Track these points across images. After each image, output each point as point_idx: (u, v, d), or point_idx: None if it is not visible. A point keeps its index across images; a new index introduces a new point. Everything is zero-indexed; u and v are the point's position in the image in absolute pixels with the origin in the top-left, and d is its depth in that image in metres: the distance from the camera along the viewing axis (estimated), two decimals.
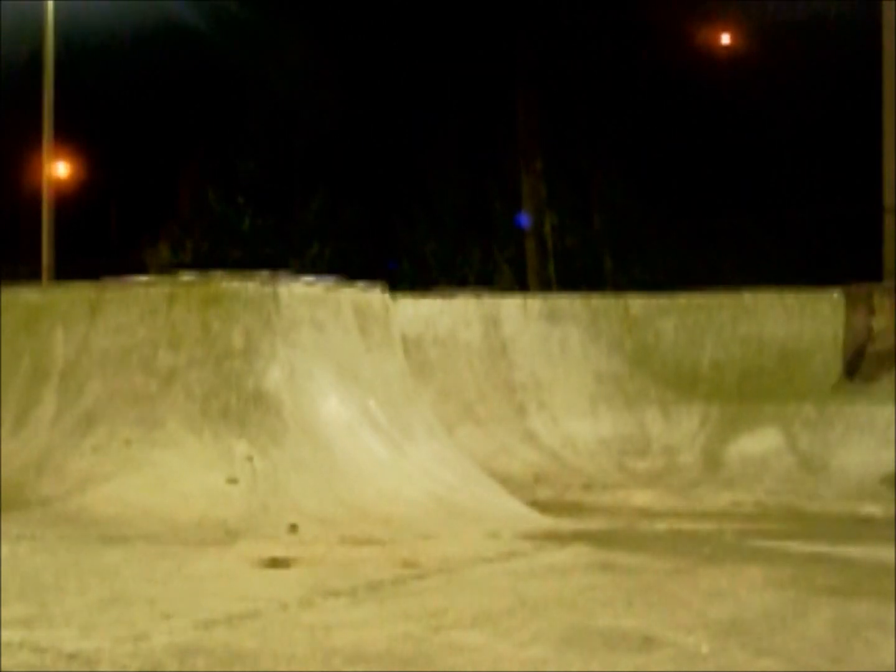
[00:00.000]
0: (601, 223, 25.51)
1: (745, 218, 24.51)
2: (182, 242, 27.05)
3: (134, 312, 9.52)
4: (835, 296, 13.81)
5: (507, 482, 11.16)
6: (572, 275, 23.97)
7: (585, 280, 22.05)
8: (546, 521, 9.55)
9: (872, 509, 10.89)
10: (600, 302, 14.78)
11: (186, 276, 10.12)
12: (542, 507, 10.70)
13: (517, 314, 14.27)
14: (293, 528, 7.87)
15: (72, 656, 4.61)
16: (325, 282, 10.49)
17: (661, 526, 9.24)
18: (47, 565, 6.61)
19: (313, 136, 27.17)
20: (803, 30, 23.21)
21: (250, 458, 8.70)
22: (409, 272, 25.50)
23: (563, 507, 11.10)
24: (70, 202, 27.27)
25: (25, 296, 10.43)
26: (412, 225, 26.43)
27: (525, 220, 25.36)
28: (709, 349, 14.18)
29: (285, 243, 26.52)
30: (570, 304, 14.57)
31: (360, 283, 10.63)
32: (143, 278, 10.24)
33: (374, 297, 10.64)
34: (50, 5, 21.17)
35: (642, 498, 11.90)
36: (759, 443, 13.23)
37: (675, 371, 14.15)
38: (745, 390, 13.77)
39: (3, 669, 4.45)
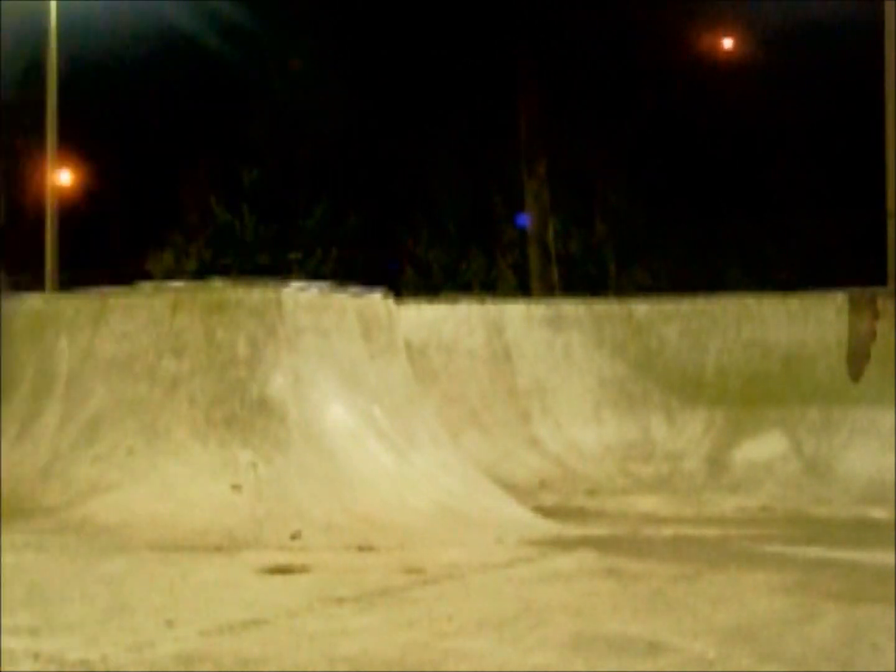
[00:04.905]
0: (604, 229, 25.49)
1: (748, 223, 24.48)
2: (186, 250, 27.07)
3: (138, 320, 9.53)
4: (839, 300, 13.79)
5: (512, 488, 11.15)
6: (576, 280, 23.96)
7: (589, 285, 22.04)
8: (551, 527, 9.53)
9: (878, 513, 10.87)
10: (604, 307, 14.75)
11: (190, 284, 10.12)
12: (547, 512, 10.69)
13: (521, 320, 14.26)
14: (296, 535, 7.87)
15: (76, 665, 4.60)
16: (329, 289, 10.49)
17: (666, 531, 9.23)
18: (51, 574, 6.60)
19: (317, 143, 27.18)
20: (806, 35, 23.19)
21: (255, 466, 8.69)
22: (413, 278, 25.49)
23: (568, 512, 11.08)
24: (74, 210, 27.28)
25: (29, 304, 10.43)
26: (416, 231, 26.43)
27: (525, 219, 25.33)
28: (713, 354, 14.15)
29: (289, 251, 26.53)
30: (574, 309, 14.55)
31: (364, 290, 10.63)
32: (147, 286, 10.24)
33: (377, 303, 10.64)
34: (53, 12, 21.19)
35: (647, 503, 11.88)
36: (763, 447, 13.21)
37: (680, 376, 14.12)
38: (750, 395, 13.74)
39: None
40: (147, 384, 9.24)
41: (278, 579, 6.59)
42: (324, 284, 10.74)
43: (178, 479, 8.61)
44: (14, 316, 10.20)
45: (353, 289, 10.53)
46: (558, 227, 25.18)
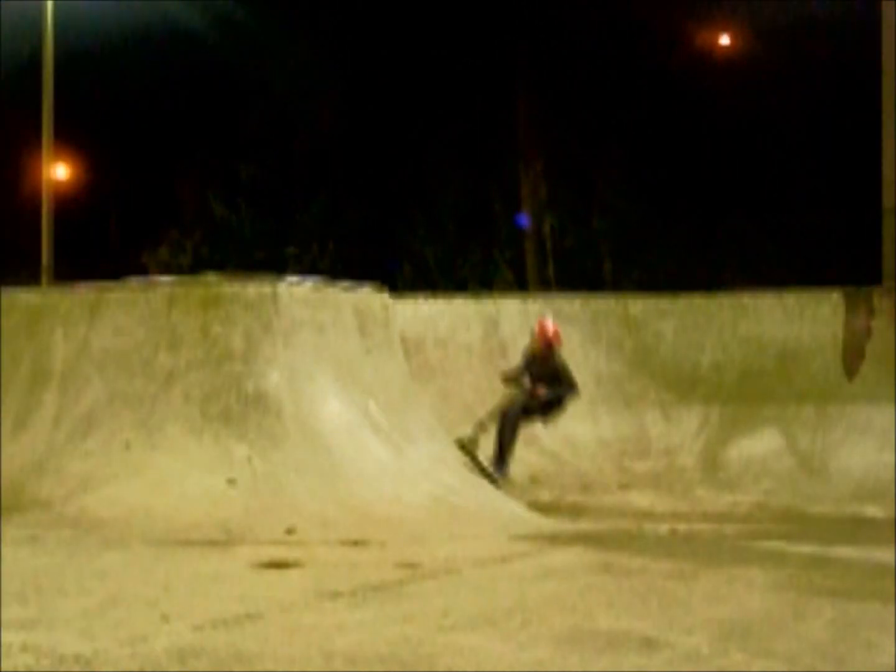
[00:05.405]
0: (601, 225, 25.48)
1: (745, 220, 24.49)
2: (182, 245, 27.03)
3: (133, 315, 9.52)
4: (834, 297, 13.81)
5: (508, 484, 11.18)
6: (572, 276, 23.95)
7: (585, 281, 22.02)
8: (546, 523, 9.54)
9: (872, 510, 10.89)
10: (600, 303, 14.77)
11: (186, 279, 10.12)
12: (543, 508, 10.71)
13: (517, 316, 14.26)
14: (291, 530, 7.87)
15: (71, 658, 4.60)
16: (325, 284, 10.50)
17: (661, 527, 9.24)
18: (47, 567, 6.60)
19: (313, 138, 27.15)
20: (804, 33, 23.20)
21: (250, 461, 8.69)
22: (410, 274, 25.47)
23: (564, 508, 11.10)
24: (70, 205, 27.24)
25: (25, 298, 10.42)
26: (412, 227, 26.41)
27: (524, 219, 25.38)
28: (708, 350, 14.17)
29: (286, 246, 26.51)
30: (570, 305, 14.56)
31: (360, 285, 10.63)
32: (143, 281, 10.23)
33: (373, 298, 10.64)
34: (49, 8, 21.15)
35: (642, 499, 11.89)
36: (758, 444, 13.23)
37: (675, 372, 14.14)
38: (745, 391, 13.76)
39: (2, 671, 4.45)
40: (142, 378, 9.23)
41: (273, 573, 6.59)
42: (316, 278, 10.75)
43: (174, 474, 8.61)
44: (10, 310, 10.19)
45: (345, 283, 10.53)
46: (555, 223, 25.18)
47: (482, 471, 10.60)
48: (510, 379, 11.67)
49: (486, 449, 11.31)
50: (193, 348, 9.25)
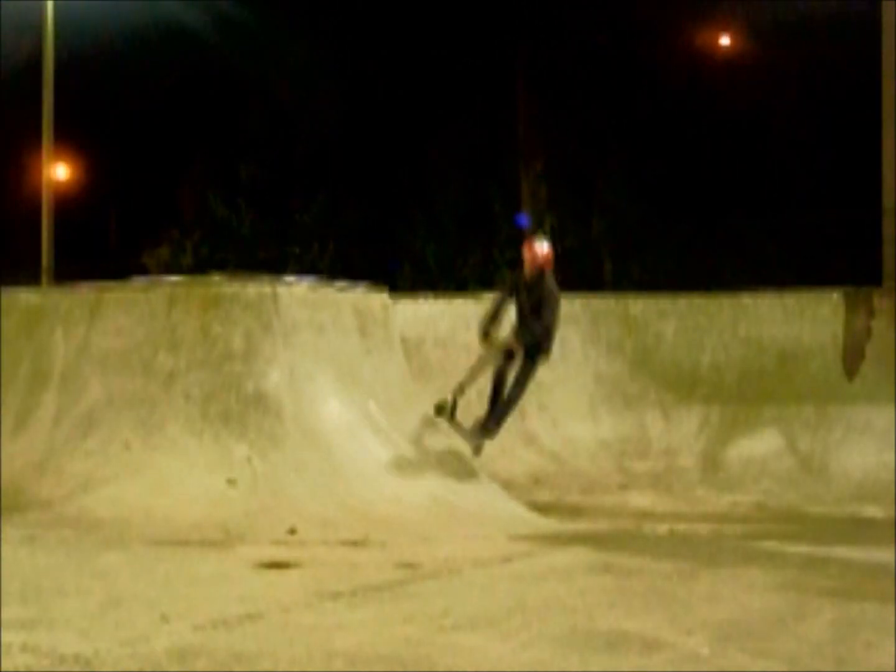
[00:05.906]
0: (601, 225, 25.47)
1: (745, 220, 24.48)
2: (182, 245, 27.04)
3: (134, 315, 9.52)
4: (834, 298, 13.80)
5: (508, 484, 11.17)
6: (572, 276, 23.93)
7: (585, 282, 21.99)
8: (546, 523, 9.54)
9: (872, 511, 10.88)
10: (600, 304, 14.76)
11: (186, 279, 10.12)
12: (543, 508, 10.70)
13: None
14: (292, 530, 7.87)
15: (71, 658, 4.60)
16: (325, 284, 10.50)
17: (661, 528, 9.24)
18: (47, 567, 6.60)
19: (314, 138, 27.17)
20: (804, 32, 23.20)
21: (250, 461, 8.69)
22: (410, 274, 25.46)
23: (564, 508, 11.09)
24: (70, 205, 27.27)
25: (25, 298, 10.42)
26: (412, 227, 26.40)
27: (524, 219, 25.40)
28: (709, 351, 14.16)
29: (286, 246, 26.51)
30: (570, 306, 14.51)
31: (360, 286, 10.63)
32: (143, 281, 10.24)
33: (373, 299, 10.64)
34: (49, 8, 21.16)
35: (642, 500, 11.88)
36: (758, 444, 13.21)
37: (675, 373, 14.13)
38: (745, 392, 13.75)
39: (2, 671, 4.45)
40: (143, 379, 9.23)
41: (273, 574, 6.59)
42: (315, 278, 10.75)
43: (173, 474, 8.60)
44: (10, 310, 10.18)
45: (344, 283, 10.52)
46: (555, 223, 25.18)
47: (462, 434, 10.33)
48: (488, 336, 10.59)
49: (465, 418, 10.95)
50: (193, 348, 9.25)
